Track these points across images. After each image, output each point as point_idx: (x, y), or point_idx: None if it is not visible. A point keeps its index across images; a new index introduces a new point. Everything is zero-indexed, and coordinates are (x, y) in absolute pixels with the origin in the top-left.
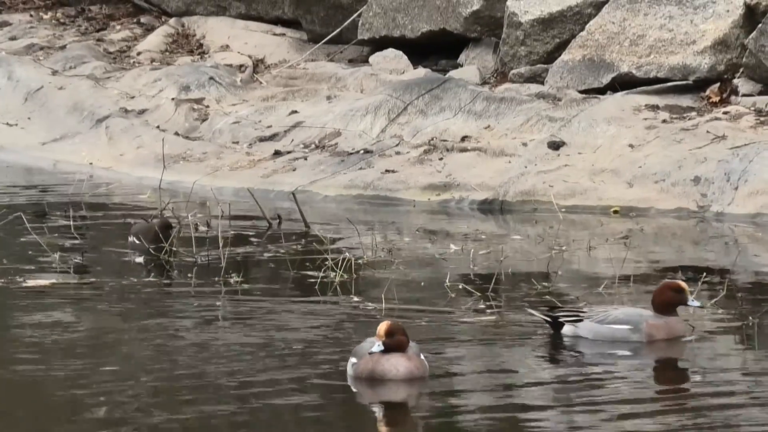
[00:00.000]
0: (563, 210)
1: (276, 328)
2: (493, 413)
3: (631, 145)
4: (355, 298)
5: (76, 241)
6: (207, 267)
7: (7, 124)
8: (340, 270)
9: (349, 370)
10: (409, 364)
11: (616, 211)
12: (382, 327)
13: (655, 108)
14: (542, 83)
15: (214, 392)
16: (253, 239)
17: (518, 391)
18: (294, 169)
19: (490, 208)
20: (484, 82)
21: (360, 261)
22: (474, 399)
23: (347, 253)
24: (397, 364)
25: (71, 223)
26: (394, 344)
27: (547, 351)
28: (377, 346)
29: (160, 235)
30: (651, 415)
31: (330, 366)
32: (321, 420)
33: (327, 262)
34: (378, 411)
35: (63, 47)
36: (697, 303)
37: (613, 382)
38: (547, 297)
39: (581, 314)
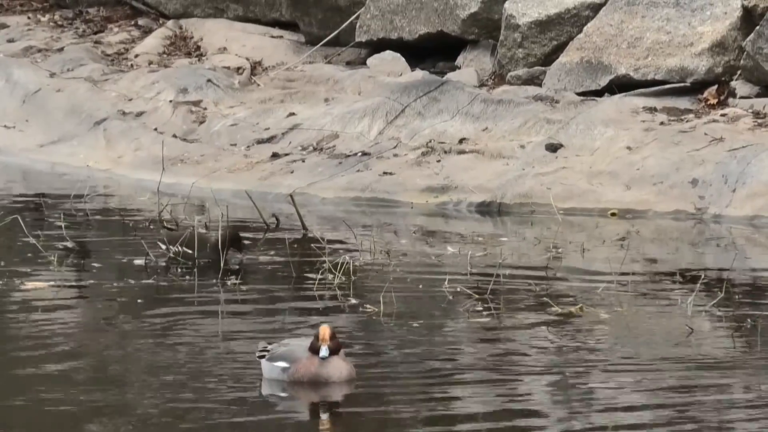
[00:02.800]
0: (561, 212)
1: (274, 330)
2: (490, 419)
3: (628, 147)
4: (353, 301)
5: (74, 244)
6: (205, 269)
7: (5, 126)
8: (339, 272)
9: (277, 374)
10: (348, 366)
11: (614, 214)
12: (327, 331)
13: (652, 110)
14: (540, 85)
15: (212, 394)
16: (250, 241)
17: (517, 397)
18: (292, 172)
19: (488, 210)
20: (481, 85)
21: (358, 263)
22: (471, 402)
23: (345, 256)
24: (339, 367)
25: (67, 224)
26: (335, 348)
27: (547, 353)
28: (325, 350)
29: (230, 245)
30: None
31: None
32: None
33: (325, 264)
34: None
35: (61, 49)
36: None
37: None
38: (545, 299)
39: None
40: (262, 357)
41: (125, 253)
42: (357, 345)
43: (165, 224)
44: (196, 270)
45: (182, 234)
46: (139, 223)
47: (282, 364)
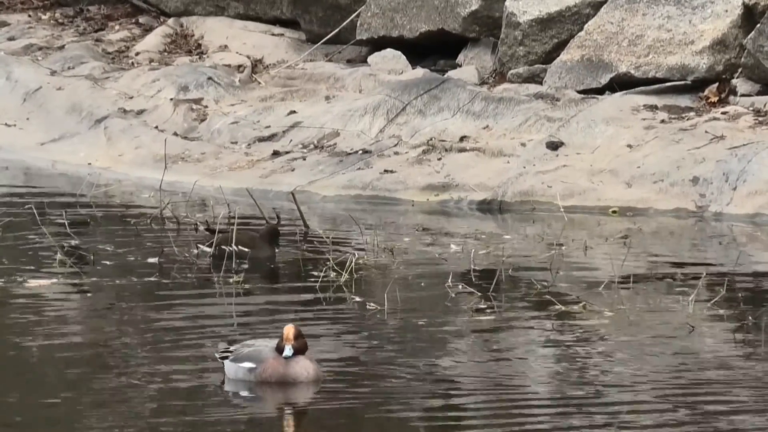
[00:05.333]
0: (562, 210)
1: (278, 329)
2: (493, 416)
3: (629, 146)
4: (357, 299)
5: (76, 242)
6: (207, 267)
7: (6, 124)
8: (345, 272)
9: (243, 375)
10: (315, 366)
11: (614, 212)
12: (291, 331)
13: (653, 108)
14: (541, 83)
15: (210, 394)
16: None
17: (519, 396)
18: (292, 170)
19: (488, 208)
20: (482, 83)
21: (361, 261)
22: (473, 400)
23: (348, 254)
24: (306, 367)
25: (68, 223)
26: (300, 347)
27: (550, 351)
28: (288, 349)
29: (270, 241)
30: None
31: (334, 366)
32: (322, 420)
33: (328, 263)
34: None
35: (61, 47)
36: None
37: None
38: (548, 297)
39: None
40: (225, 358)
41: (128, 251)
42: (360, 344)
43: (209, 226)
44: (195, 268)
45: (230, 234)
46: (140, 221)
47: (248, 364)
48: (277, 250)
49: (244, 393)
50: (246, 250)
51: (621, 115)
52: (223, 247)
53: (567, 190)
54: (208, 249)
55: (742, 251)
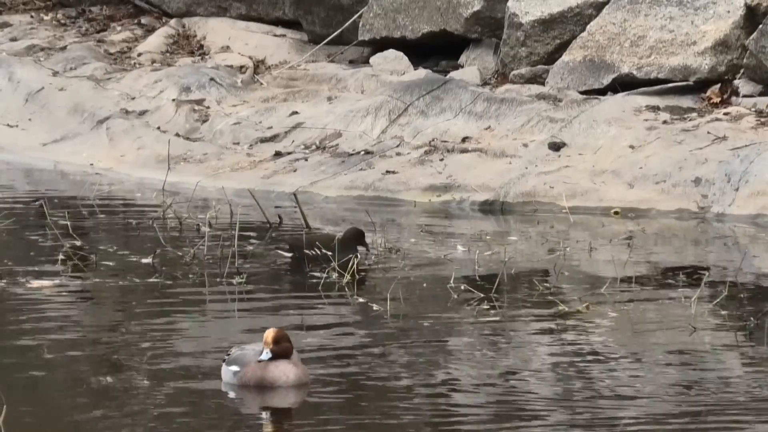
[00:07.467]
0: (564, 210)
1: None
2: (494, 418)
3: (631, 146)
4: (360, 300)
5: (79, 243)
6: (208, 268)
7: (8, 125)
8: (348, 273)
9: (230, 378)
10: (297, 370)
11: (616, 212)
12: (269, 334)
13: (655, 109)
14: (543, 84)
15: (209, 396)
16: (254, 240)
17: (521, 397)
18: (295, 170)
19: (490, 209)
20: (484, 83)
21: (366, 262)
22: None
23: (351, 255)
24: (286, 371)
25: (70, 223)
26: (280, 351)
27: (553, 352)
28: (265, 353)
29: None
30: None
31: (335, 368)
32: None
33: (330, 263)
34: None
35: (63, 48)
36: None
37: None
38: (551, 297)
39: None
40: (224, 360)
41: (130, 252)
42: (362, 345)
43: (308, 227)
44: (197, 269)
45: (322, 236)
46: (143, 222)
47: (234, 367)
48: (366, 251)
49: (234, 396)
50: (328, 253)
51: (623, 116)
52: (305, 250)
53: (569, 191)
54: (286, 254)
55: (747, 253)
